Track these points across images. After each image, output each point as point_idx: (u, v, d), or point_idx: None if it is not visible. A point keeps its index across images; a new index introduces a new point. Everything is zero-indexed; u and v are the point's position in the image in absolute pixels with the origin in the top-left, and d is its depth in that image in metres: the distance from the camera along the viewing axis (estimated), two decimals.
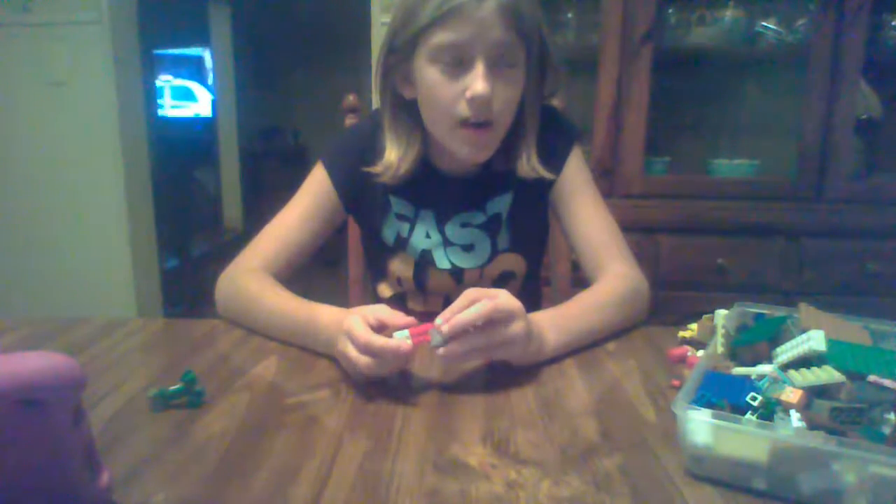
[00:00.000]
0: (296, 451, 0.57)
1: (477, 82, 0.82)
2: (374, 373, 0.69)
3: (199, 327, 0.92)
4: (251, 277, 0.91)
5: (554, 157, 0.98)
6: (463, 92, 0.83)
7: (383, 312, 0.70)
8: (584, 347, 0.83)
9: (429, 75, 0.85)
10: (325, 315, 0.78)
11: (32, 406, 0.42)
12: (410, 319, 0.70)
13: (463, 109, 0.84)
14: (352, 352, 0.68)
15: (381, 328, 0.69)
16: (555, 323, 0.79)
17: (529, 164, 0.93)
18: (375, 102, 0.98)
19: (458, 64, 0.83)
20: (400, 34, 0.86)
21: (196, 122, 5.38)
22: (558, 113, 1.03)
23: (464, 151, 0.89)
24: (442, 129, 0.89)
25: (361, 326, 0.68)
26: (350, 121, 1.22)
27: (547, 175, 0.94)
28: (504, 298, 0.70)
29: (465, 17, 0.80)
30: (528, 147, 0.93)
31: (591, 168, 1.85)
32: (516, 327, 0.70)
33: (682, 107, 2.11)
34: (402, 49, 0.87)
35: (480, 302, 0.68)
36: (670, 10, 1.95)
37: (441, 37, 0.82)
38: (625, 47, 1.83)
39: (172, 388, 0.66)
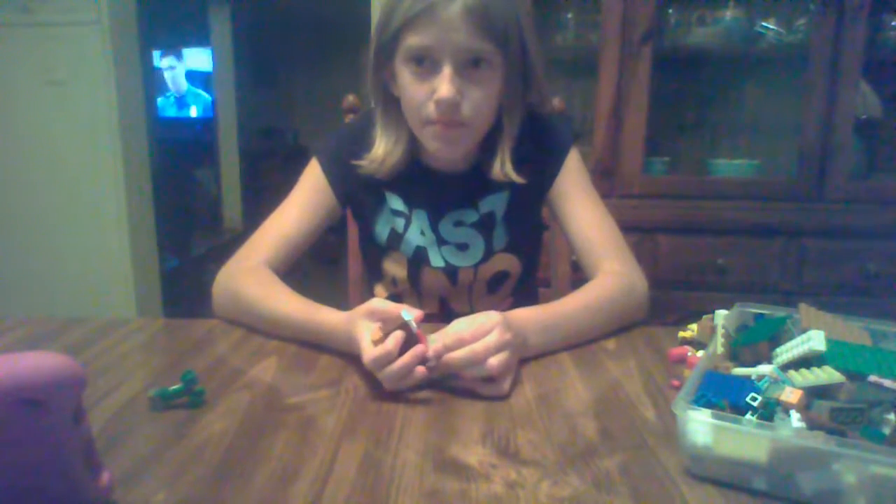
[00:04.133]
0: (296, 451, 0.57)
1: (442, 86, 0.83)
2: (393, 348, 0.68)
3: (199, 327, 0.92)
4: (251, 276, 0.91)
5: (550, 161, 0.99)
6: (431, 94, 0.85)
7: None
8: (579, 345, 0.83)
9: (403, 75, 0.87)
10: (331, 318, 0.79)
11: (33, 406, 0.42)
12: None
13: (431, 111, 0.86)
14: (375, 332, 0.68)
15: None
16: (539, 321, 0.80)
17: (503, 170, 0.94)
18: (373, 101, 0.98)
19: (427, 66, 0.84)
20: (382, 35, 0.88)
21: (196, 122, 5.38)
22: (553, 118, 1.04)
23: (432, 146, 0.91)
24: (414, 127, 0.91)
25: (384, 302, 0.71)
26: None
27: (518, 180, 0.94)
28: (466, 323, 0.71)
29: (431, 21, 0.81)
30: (502, 151, 0.94)
31: (591, 168, 1.87)
32: (493, 337, 0.69)
33: (682, 107, 2.11)
34: (385, 48, 0.88)
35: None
36: (670, 10, 1.95)
37: (411, 40, 0.83)
38: (625, 47, 1.83)
39: (172, 388, 0.66)
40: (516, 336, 0.72)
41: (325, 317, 0.80)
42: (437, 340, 0.69)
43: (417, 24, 0.82)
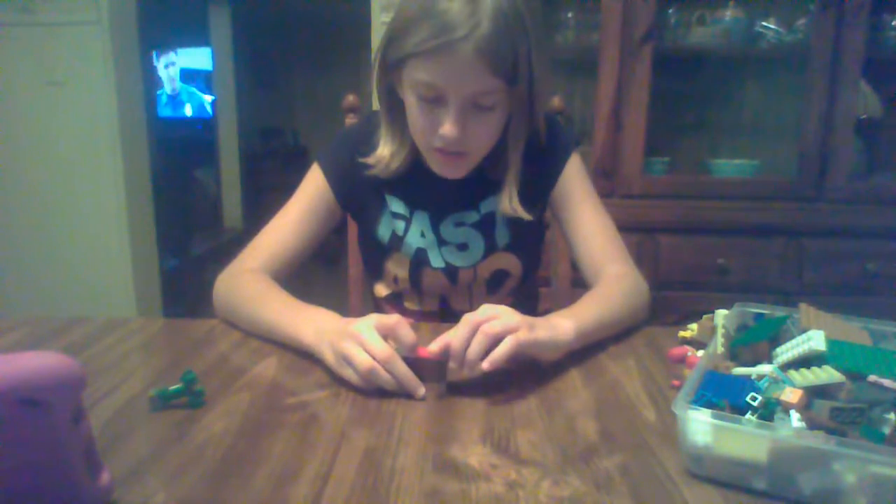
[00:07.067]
0: (296, 450, 0.57)
1: (447, 124, 0.83)
2: (375, 382, 0.68)
3: (199, 327, 0.92)
4: (246, 279, 0.91)
5: (552, 163, 0.99)
6: (436, 124, 0.84)
7: (391, 321, 0.71)
8: (589, 347, 0.82)
9: (409, 98, 0.86)
10: (308, 335, 0.77)
11: (33, 406, 0.42)
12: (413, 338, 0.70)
13: (436, 140, 0.86)
14: (359, 355, 0.68)
15: (386, 337, 0.70)
16: (567, 314, 0.80)
17: (511, 205, 0.93)
18: (375, 102, 0.98)
19: (434, 99, 0.83)
20: (389, 48, 0.85)
21: (196, 121, 5.37)
22: (555, 122, 1.03)
23: (435, 169, 0.92)
24: (418, 144, 0.92)
25: (379, 339, 0.68)
26: (350, 121, 1.22)
27: (525, 216, 0.94)
28: (484, 307, 0.71)
29: (442, 60, 0.79)
30: (510, 186, 0.93)
31: (592, 168, 1.87)
32: (506, 319, 0.70)
33: (682, 107, 2.11)
34: (391, 61, 0.86)
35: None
36: (670, 10, 1.95)
37: (419, 73, 0.81)
38: (625, 47, 1.83)
39: (172, 388, 0.66)
40: (532, 324, 0.71)
41: (303, 329, 0.78)
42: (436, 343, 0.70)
43: (428, 59, 0.80)
